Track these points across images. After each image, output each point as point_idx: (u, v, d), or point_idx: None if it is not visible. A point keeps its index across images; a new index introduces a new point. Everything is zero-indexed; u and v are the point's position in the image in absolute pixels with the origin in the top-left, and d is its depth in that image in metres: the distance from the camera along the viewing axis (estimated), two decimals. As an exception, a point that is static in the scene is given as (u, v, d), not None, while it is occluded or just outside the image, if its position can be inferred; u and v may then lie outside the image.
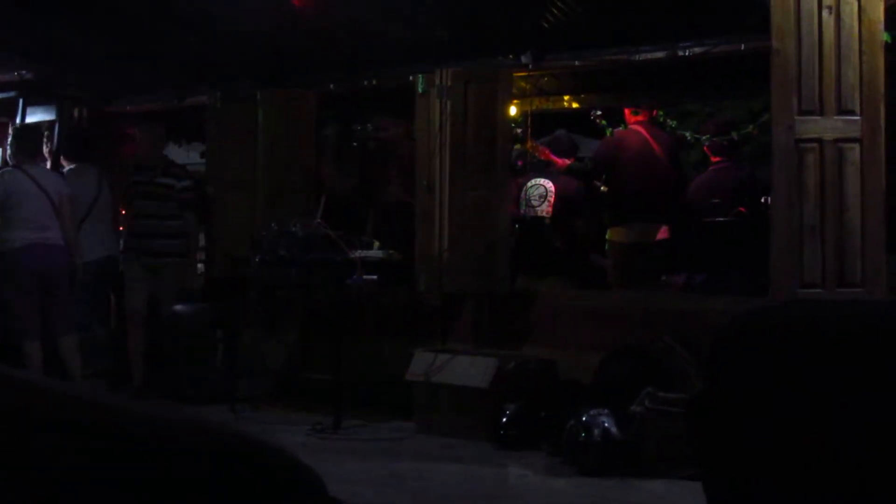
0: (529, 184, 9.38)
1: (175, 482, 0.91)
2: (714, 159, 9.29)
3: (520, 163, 9.76)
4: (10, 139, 8.71)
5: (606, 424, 6.55)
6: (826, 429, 1.50)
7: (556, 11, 8.17)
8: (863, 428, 1.46)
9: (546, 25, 8.27)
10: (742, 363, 1.64)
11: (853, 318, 1.62)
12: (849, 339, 1.53)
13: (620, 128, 9.50)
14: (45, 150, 9.74)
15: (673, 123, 10.67)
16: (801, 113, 6.95)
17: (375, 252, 8.49)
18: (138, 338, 9.22)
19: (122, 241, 9.63)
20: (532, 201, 9.26)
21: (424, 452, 7.17)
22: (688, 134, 10.47)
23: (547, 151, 9.66)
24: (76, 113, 10.66)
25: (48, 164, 9.65)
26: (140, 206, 9.37)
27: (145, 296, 9.32)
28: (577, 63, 8.70)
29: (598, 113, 10.45)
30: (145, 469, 0.91)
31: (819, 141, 6.94)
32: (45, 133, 9.91)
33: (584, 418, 6.62)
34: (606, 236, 9.30)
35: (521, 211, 9.34)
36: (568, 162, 9.64)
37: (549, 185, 9.26)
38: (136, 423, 0.94)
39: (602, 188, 9.61)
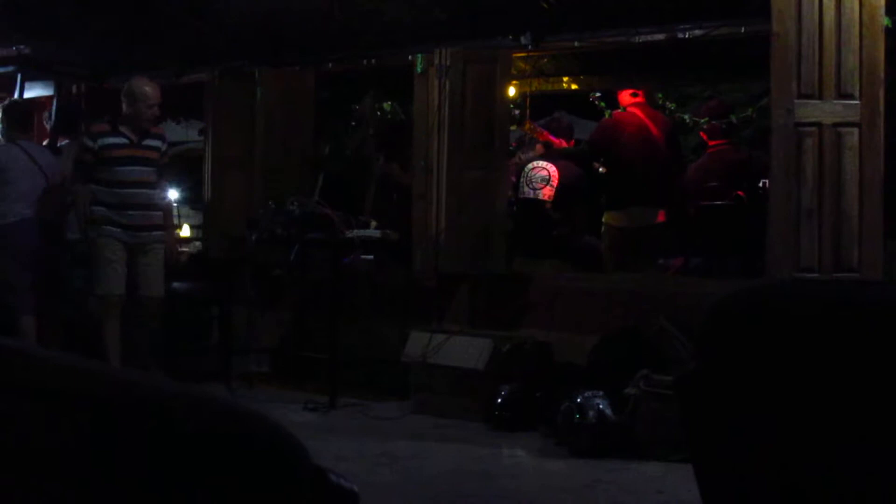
0: (530, 166, 9.36)
1: (153, 447, 0.91)
2: (711, 143, 9.27)
3: (513, 144, 9.74)
4: (0, 115, 8.66)
5: (601, 406, 6.56)
6: (817, 407, 1.49)
7: (555, -8, 8.15)
8: (854, 406, 1.45)
9: (546, 6, 8.24)
10: (732, 341, 1.64)
11: (843, 297, 1.61)
12: (838, 318, 1.52)
13: (619, 110, 9.46)
14: (47, 126, 9.67)
15: (672, 106, 10.65)
16: (801, 96, 6.93)
17: (372, 231, 8.48)
18: (117, 328, 8.13)
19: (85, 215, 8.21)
20: (534, 183, 9.24)
21: (419, 432, 7.17)
22: (686, 117, 10.45)
23: (546, 133, 9.64)
24: (74, 89, 10.63)
25: (46, 140, 9.62)
26: (122, 173, 8.13)
27: (125, 279, 8.15)
28: (576, 44, 8.67)
29: (598, 95, 10.42)
30: (125, 432, 0.91)
31: (818, 125, 6.93)
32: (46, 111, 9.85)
33: (578, 400, 6.62)
34: (602, 219, 9.27)
35: (520, 193, 9.33)
36: (565, 143, 9.63)
37: (552, 168, 9.23)
38: (118, 389, 0.94)
39: (601, 169, 9.58)
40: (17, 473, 0.94)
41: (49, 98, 10.31)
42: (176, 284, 9.32)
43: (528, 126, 9.89)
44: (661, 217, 8.99)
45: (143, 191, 8.22)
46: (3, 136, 8.62)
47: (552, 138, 9.60)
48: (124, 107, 8.22)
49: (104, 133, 8.23)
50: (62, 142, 9.53)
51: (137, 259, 8.16)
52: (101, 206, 8.09)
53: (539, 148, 9.67)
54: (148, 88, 8.25)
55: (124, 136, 8.20)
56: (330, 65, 9.66)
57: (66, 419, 0.92)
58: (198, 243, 11.19)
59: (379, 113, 11.71)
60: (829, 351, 1.48)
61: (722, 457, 1.66)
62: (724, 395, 1.65)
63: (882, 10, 6.89)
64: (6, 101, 9.19)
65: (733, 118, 9.47)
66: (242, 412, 0.95)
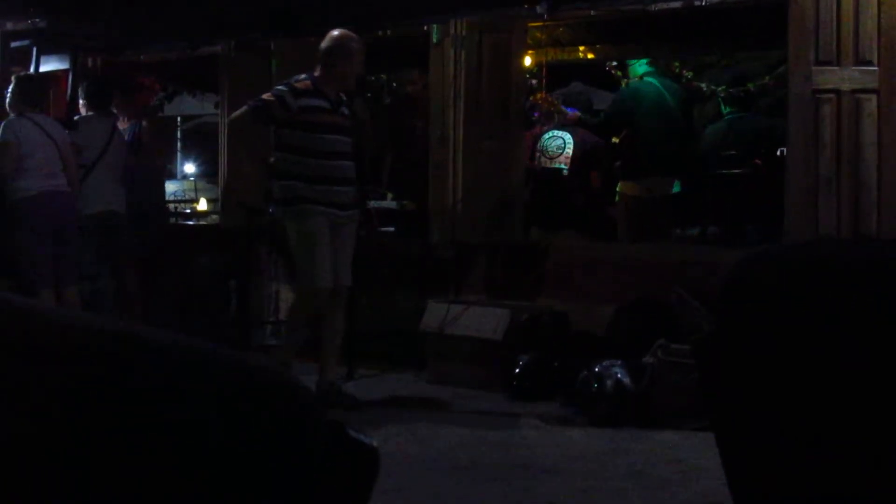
0: (547, 135, 9.34)
1: (170, 399, 0.91)
2: (728, 112, 9.23)
3: (536, 114, 9.70)
4: (11, 87, 8.65)
5: (619, 375, 6.56)
6: (836, 366, 1.48)
7: (571, -40, 8.10)
8: (874, 365, 1.44)
9: (561, -26, 8.19)
10: (750, 303, 1.63)
11: (861, 257, 1.60)
12: (856, 278, 1.51)
13: (635, 79, 9.41)
14: (81, 102, 9.61)
15: (689, 74, 10.59)
16: (818, 63, 6.90)
17: (389, 203, 8.48)
18: (337, 323, 7.19)
19: (277, 190, 7.17)
20: (549, 152, 9.22)
21: (437, 403, 7.19)
22: (704, 85, 10.40)
23: (557, 103, 9.61)
24: (90, 62, 10.62)
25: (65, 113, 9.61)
26: (327, 142, 6.96)
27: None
28: (592, 13, 8.61)
29: (614, 64, 10.37)
30: (139, 389, 0.91)
31: (836, 91, 6.89)
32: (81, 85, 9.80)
33: (596, 369, 6.63)
34: (617, 188, 9.24)
35: (536, 162, 9.31)
36: (576, 114, 9.59)
37: (568, 136, 9.22)
38: (132, 347, 0.94)
39: (615, 139, 9.54)
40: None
41: (65, 72, 10.29)
42: (194, 257, 9.37)
43: (539, 96, 9.83)
44: (677, 187, 8.96)
45: (347, 163, 7.10)
46: (11, 109, 8.59)
47: (565, 110, 9.57)
48: (325, 66, 7.08)
49: (307, 92, 6.98)
50: (86, 113, 9.44)
51: (335, 243, 7.03)
52: (295, 181, 6.97)
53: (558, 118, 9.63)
54: (355, 43, 7.13)
55: (326, 98, 7.03)
56: (345, 36, 9.61)
57: (87, 376, 0.92)
58: (215, 216, 11.22)
59: (394, 84, 11.70)
60: (847, 309, 1.48)
61: (741, 418, 1.66)
62: (742, 356, 1.64)
63: (900, -25, 6.83)
64: (19, 75, 9.14)
65: (751, 86, 9.41)
66: (257, 367, 0.95)
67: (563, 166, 9.15)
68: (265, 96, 6.96)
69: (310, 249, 6.90)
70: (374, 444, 1.02)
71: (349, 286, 7.13)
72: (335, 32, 7.16)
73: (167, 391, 0.92)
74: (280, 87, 7.00)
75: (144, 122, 9.59)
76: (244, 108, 7.03)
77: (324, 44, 7.12)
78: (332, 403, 6.67)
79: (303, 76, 7.07)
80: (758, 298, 1.62)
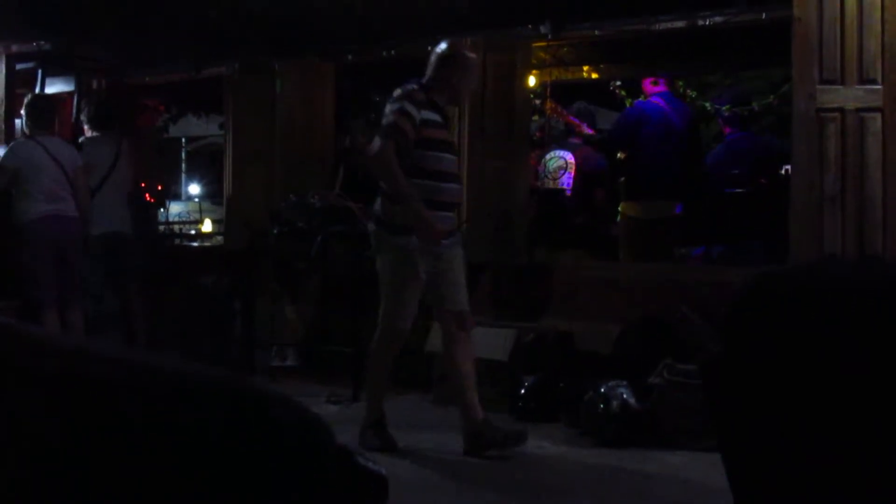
0: (549, 156, 9.35)
1: (181, 428, 0.91)
2: (727, 130, 9.22)
3: (538, 134, 9.71)
4: (23, 109, 8.69)
5: (625, 396, 6.54)
6: (841, 389, 1.48)
7: (575, -20, 8.12)
8: (880, 388, 1.44)
9: (565, -5, 8.23)
10: (759, 325, 1.62)
11: (869, 279, 1.59)
12: (865, 300, 1.51)
13: (640, 98, 9.41)
14: (84, 121, 9.63)
15: (693, 94, 10.60)
16: (823, 82, 6.90)
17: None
18: (389, 362, 6.62)
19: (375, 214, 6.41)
20: (552, 173, 9.23)
21: (442, 424, 7.16)
22: (707, 104, 10.40)
23: (568, 115, 9.61)
24: (95, 84, 10.64)
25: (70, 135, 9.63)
26: (442, 162, 6.25)
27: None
28: (596, 33, 8.63)
29: (618, 84, 10.37)
30: (151, 417, 0.91)
31: (840, 110, 6.90)
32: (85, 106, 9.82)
33: (602, 390, 6.61)
34: (619, 209, 9.22)
35: (540, 183, 9.31)
36: (587, 126, 9.59)
37: (569, 157, 9.23)
38: (145, 375, 0.94)
39: (620, 155, 9.51)
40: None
41: (70, 94, 10.32)
42: (199, 278, 9.36)
43: (548, 106, 9.84)
44: (679, 208, 8.94)
45: (457, 186, 6.45)
46: (24, 130, 8.65)
47: (574, 121, 9.57)
48: (440, 78, 6.35)
49: (423, 104, 6.19)
50: (92, 134, 9.43)
51: (437, 267, 6.26)
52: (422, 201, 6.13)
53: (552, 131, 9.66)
54: (473, 56, 6.60)
55: (440, 112, 6.33)
56: (349, 56, 9.65)
57: (98, 404, 0.92)
58: (220, 238, 11.23)
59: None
60: (855, 332, 1.47)
61: (747, 439, 1.65)
62: (749, 377, 1.64)
63: (904, -6, 6.84)
64: (30, 97, 9.17)
65: (754, 105, 9.42)
66: (267, 394, 0.95)
67: (565, 186, 9.16)
68: (393, 122, 6.09)
69: (398, 290, 6.28)
70: (383, 471, 1.02)
71: (468, 310, 6.44)
72: (449, 42, 6.58)
73: (172, 418, 0.92)
74: (400, 105, 6.11)
75: (124, 144, 9.29)
76: (379, 142, 6.11)
77: (439, 53, 6.44)
78: (490, 444, 6.23)
79: (413, 85, 6.26)
80: (766, 320, 1.62)
